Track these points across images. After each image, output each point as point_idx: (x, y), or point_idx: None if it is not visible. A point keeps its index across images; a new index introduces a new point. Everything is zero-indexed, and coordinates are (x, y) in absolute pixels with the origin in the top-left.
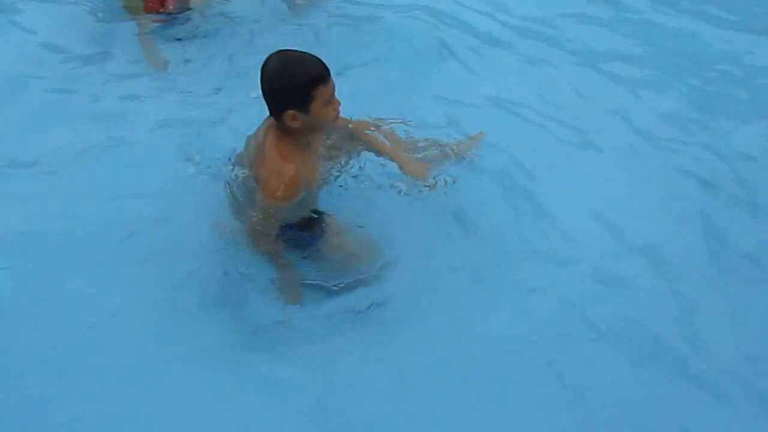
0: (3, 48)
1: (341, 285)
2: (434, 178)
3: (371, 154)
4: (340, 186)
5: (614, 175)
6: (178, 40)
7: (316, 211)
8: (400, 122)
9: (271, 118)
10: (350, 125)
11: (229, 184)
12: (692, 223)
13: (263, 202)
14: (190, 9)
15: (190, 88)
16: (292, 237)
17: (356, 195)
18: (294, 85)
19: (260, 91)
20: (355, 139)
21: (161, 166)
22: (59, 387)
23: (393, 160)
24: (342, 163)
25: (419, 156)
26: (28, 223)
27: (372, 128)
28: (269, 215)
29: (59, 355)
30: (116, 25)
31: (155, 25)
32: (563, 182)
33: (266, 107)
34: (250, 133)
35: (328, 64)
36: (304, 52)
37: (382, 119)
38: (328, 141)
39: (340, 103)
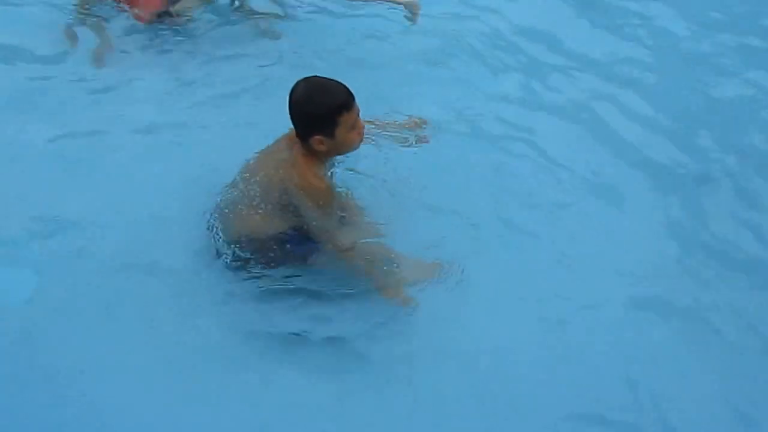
0: None
1: (349, 291)
2: None
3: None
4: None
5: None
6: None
7: None
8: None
9: (293, 135)
10: None
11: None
12: None
13: (313, 212)
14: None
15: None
16: (295, 246)
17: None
18: (319, 113)
19: None
20: None
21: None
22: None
23: None
24: None
25: None
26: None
27: None
28: (326, 216)
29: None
30: None
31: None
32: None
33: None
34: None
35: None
36: (329, 79)
37: None
38: None
39: (364, 126)
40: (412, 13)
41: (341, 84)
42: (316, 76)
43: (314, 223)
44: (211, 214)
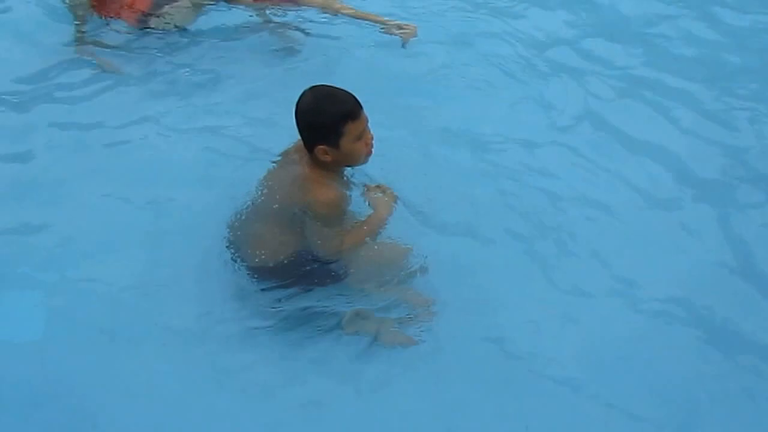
0: None
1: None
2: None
3: None
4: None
5: None
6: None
7: None
8: None
9: (301, 145)
10: None
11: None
12: None
13: (316, 224)
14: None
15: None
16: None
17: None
18: (323, 122)
19: None
20: None
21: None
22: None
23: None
24: None
25: None
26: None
27: None
28: (332, 224)
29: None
30: None
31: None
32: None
33: None
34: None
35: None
36: (336, 88)
37: None
38: None
39: (372, 137)
40: (403, 40)
41: (348, 93)
42: (323, 85)
43: (318, 231)
44: (231, 232)
